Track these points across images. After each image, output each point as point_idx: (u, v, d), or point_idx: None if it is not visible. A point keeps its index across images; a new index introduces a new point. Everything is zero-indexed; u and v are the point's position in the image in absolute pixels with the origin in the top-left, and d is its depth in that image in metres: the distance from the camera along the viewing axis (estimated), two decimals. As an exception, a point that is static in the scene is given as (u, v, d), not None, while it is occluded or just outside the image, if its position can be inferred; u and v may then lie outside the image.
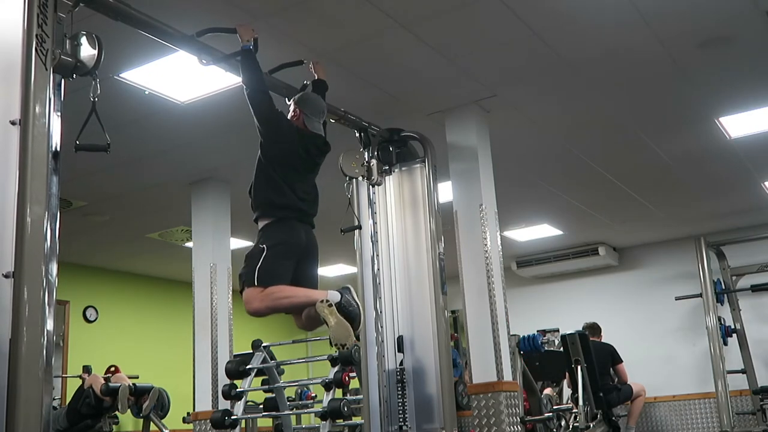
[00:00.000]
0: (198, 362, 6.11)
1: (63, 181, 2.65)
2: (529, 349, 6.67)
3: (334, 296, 3.53)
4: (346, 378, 4.60)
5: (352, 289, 3.62)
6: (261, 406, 5.47)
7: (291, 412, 5.65)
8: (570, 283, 9.87)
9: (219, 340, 6.10)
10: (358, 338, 4.00)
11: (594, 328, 7.79)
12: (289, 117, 3.83)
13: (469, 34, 4.42)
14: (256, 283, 3.50)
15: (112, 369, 8.22)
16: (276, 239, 3.60)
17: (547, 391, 7.38)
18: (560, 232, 8.86)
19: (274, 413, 5.26)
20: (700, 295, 8.47)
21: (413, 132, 4.92)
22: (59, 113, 2.67)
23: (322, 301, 3.48)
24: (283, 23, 4.14)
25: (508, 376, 4.96)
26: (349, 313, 3.52)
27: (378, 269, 4.73)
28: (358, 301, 3.60)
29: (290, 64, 4.08)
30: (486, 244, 5.07)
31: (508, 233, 8.44)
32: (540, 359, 6.94)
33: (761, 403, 8.17)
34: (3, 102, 2.55)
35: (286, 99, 4.00)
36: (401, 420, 4.52)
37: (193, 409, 6.06)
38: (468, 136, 5.30)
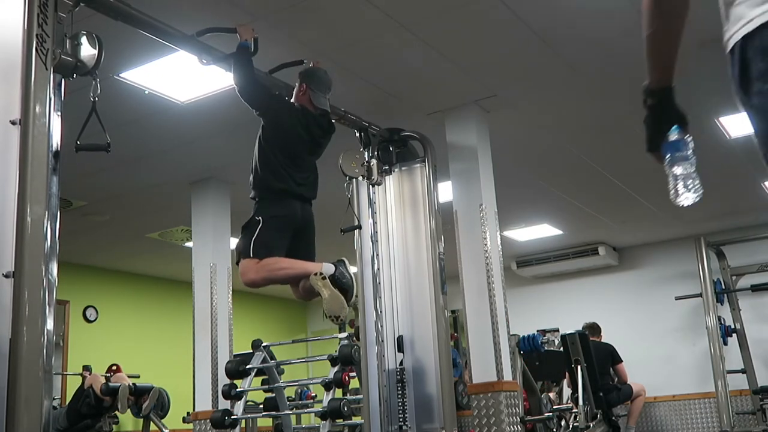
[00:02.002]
0: (198, 362, 6.10)
1: (63, 181, 2.65)
2: (529, 349, 6.66)
3: (329, 269, 3.59)
4: (346, 378, 4.60)
5: (346, 262, 3.69)
6: (261, 406, 5.47)
7: (291, 412, 5.65)
8: (570, 283, 9.87)
9: (219, 340, 6.10)
10: (355, 308, 4.00)
11: (594, 328, 7.79)
12: (294, 92, 3.87)
13: (469, 34, 4.42)
14: (252, 255, 3.58)
15: (114, 368, 8.21)
16: (271, 212, 3.67)
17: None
18: (560, 232, 8.85)
19: (274, 413, 5.25)
20: (700, 295, 8.46)
21: (413, 132, 4.92)
22: (59, 113, 2.68)
23: (316, 274, 3.55)
24: (283, 23, 4.14)
25: (508, 376, 4.96)
26: (343, 285, 3.58)
27: (378, 269, 4.73)
28: (351, 274, 3.66)
29: (290, 64, 4.09)
30: (486, 244, 5.06)
31: (508, 233, 8.44)
32: (540, 359, 6.93)
33: (761, 403, 8.16)
34: (3, 102, 2.55)
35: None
36: (401, 420, 4.52)
37: (193, 409, 6.06)
38: (468, 136, 5.30)
